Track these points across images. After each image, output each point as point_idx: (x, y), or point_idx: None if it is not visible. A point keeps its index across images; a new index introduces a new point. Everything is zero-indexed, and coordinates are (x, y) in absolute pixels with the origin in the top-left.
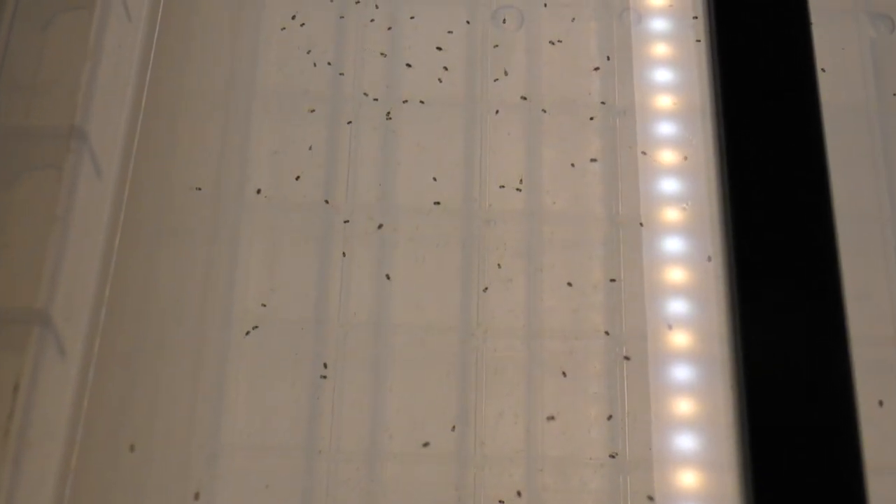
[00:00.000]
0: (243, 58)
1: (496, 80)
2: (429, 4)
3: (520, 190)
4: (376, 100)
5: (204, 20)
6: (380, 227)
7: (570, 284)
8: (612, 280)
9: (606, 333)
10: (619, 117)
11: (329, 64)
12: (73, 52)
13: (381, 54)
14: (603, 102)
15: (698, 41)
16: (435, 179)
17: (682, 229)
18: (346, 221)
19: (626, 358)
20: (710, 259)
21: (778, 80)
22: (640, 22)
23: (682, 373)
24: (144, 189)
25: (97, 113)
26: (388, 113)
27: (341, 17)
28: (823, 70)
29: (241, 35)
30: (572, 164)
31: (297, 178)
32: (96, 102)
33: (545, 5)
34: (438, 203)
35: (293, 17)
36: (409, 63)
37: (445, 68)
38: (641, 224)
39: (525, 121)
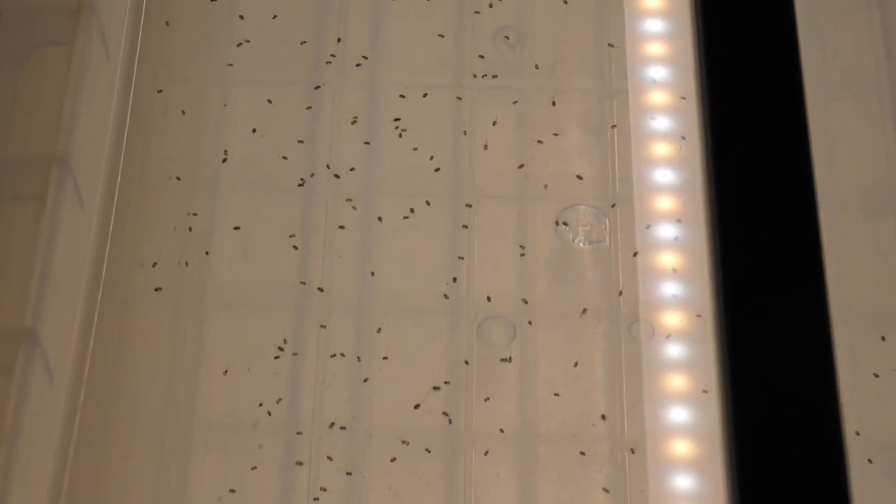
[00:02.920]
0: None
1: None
2: (406, 334)
3: None
4: (336, 446)
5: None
6: None
7: None
8: None
9: None
10: (628, 455)
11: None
12: None
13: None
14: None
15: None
16: None
17: None
18: None
19: None
20: None
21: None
22: (653, 336)
23: None
24: None
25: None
26: (355, 456)
27: (295, 354)
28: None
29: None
30: None
31: None
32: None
33: (529, 323)
34: None
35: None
36: (379, 394)
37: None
38: None
39: (516, 458)
